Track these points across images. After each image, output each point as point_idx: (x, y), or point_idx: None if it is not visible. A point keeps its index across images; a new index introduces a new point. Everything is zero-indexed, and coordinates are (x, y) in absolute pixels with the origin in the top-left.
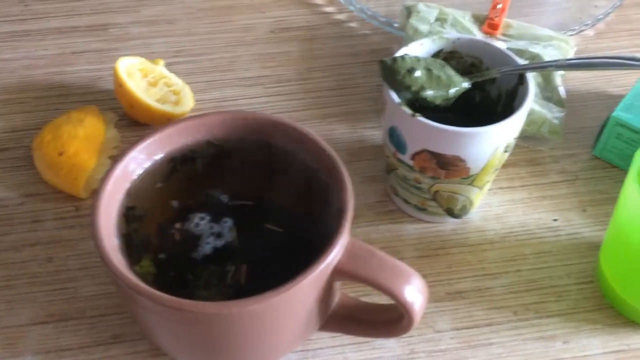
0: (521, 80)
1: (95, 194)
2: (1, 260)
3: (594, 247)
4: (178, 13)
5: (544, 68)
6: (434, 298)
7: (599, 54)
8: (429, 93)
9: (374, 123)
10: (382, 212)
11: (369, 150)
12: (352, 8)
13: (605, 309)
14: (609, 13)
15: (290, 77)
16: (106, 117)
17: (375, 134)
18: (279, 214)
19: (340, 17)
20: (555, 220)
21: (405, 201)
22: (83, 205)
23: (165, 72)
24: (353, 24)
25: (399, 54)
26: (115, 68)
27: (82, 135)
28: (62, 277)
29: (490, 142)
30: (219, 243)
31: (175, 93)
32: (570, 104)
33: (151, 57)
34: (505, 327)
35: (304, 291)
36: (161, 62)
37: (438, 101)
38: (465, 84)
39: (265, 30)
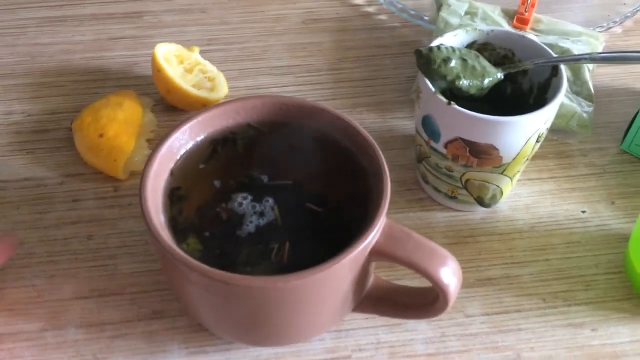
0: (555, 72)
1: (142, 171)
2: (43, 236)
3: (623, 239)
4: (211, 2)
5: (578, 60)
6: (464, 284)
7: (632, 48)
8: (464, 82)
9: (404, 113)
10: (412, 200)
11: (399, 140)
12: (381, 1)
13: (634, 298)
14: (637, 11)
15: (321, 67)
16: (143, 102)
17: (405, 123)
18: (318, 195)
19: (370, 9)
20: (583, 211)
21: (436, 189)
22: (122, 186)
23: (200, 59)
24: (383, 17)
25: (434, 43)
26: (154, 54)
27: (121, 119)
28: (103, 254)
29: (523, 131)
30: (262, 222)
31: (210, 80)
32: (599, 99)
33: (185, 44)
34: (534, 313)
35: (344, 270)
36: (196, 50)
37: (473, 91)
38: (500, 75)
39: (296, 20)
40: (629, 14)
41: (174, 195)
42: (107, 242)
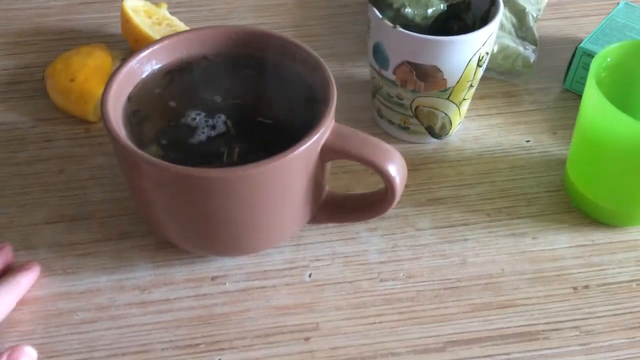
0: (492, 2)
1: (102, 94)
2: (16, 172)
3: (563, 163)
4: None
5: None
6: (415, 203)
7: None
8: (408, 10)
9: (362, 62)
10: None
11: (356, 85)
12: None
13: (572, 212)
14: None
15: (285, 24)
16: (113, 53)
17: (362, 71)
18: (270, 111)
19: None
20: (527, 141)
21: (390, 121)
22: (93, 128)
23: (168, 15)
24: None
25: None
26: (122, 6)
27: (91, 65)
28: (73, 185)
29: (464, 52)
30: (213, 133)
31: None
32: (545, 47)
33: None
34: (479, 226)
35: (297, 162)
36: (164, 6)
37: (418, 20)
38: (442, 6)
39: None
40: None
41: (132, 117)
42: (78, 176)
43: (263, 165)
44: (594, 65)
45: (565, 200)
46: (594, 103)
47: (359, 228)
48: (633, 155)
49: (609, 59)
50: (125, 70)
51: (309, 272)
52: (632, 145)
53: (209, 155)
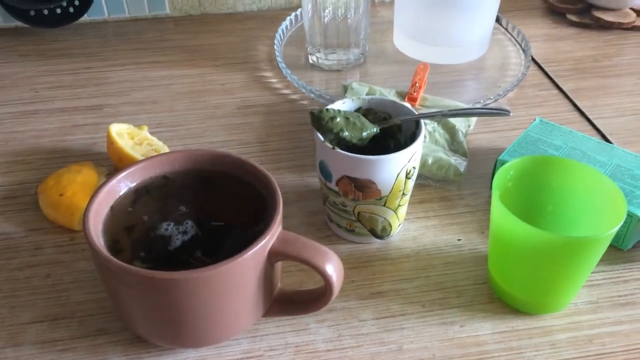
0: (417, 126)
1: (85, 210)
2: (8, 277)
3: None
4: (162, 96)
5: (433, 116)
6: (359, 297)
7: (476, 105)
8: (346, 134)
9: (317, 173)
10: (321, 237)
11: (312, 193)
12: (303, 90)
13: (495, 302)
14: (508, 91)
15: (252, 140)
16: (99, 170)
17: (317, 181)
18: (229, 216)
19: (295, 96)
20: (459, 239)
21: (338, 225)
22: (77, 236)
23: (149, 135)
24: (304, 102)
25: (325, 107)
26: (109, 130)
27: (79, 181)
28: (58, 288)
29: (392, 168)
30: (186, 237)
31: (157, 151)
32: (477, 157)
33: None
34: (415, 316)
35: (247, 264)
36: (145, 128)
37: (355, 140)
38: (375, 129)
39: (232, 107)
40: (501, 93)
41: (112, 235)
42: (62, 279)
43: (216, 268)
44: (497, 178)
45: (489, 292)
46: (498, 211)
47: (309, 320)
48: (534, 255)
49: (511, 172)
50: (105, 189)
51: None
52: (533, 247)
53: (182, 258)
